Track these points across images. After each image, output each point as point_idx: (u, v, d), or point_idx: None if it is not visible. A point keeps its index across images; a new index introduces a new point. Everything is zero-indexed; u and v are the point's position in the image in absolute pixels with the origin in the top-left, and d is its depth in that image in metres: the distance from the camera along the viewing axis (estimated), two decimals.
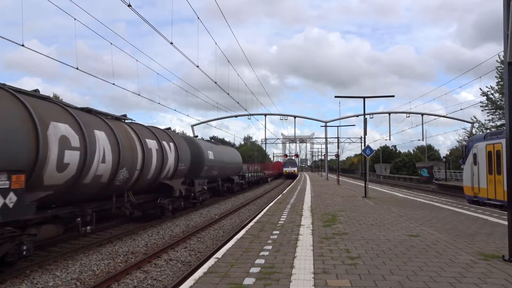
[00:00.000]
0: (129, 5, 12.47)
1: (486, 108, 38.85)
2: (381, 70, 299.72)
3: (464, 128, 48.54)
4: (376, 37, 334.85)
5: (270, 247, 7.83)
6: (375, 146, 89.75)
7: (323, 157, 75.19)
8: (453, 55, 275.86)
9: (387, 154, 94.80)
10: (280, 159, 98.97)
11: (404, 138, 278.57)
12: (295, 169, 68.95)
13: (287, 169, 67.81)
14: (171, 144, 16.13)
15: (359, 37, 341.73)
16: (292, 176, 64.17)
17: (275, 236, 9.01)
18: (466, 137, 41.86)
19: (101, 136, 10.79)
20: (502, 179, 15.63)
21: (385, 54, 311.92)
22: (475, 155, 18.29)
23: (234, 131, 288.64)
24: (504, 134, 15.99)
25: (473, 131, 42.29)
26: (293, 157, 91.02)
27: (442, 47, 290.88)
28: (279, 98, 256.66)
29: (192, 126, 61.78)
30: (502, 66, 28.27)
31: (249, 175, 37.76)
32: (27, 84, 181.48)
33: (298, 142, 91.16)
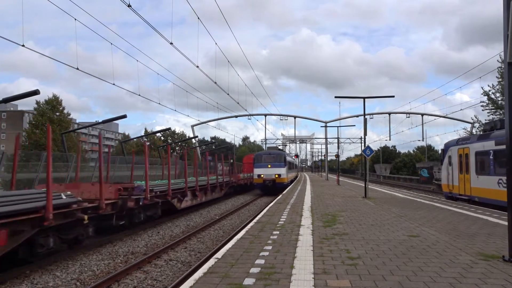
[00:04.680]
0: (129, 5, 12.48)
1: (487, 108, 38.87)
2: (372, 71, 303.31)
3: (464, 129, 48.54)
4: (365, 39, 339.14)
5: (270, 247, 7.82)
6: (374, 147, 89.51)
7: (323, 158, 74.87)
8: (441, 57, 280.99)
9: (387, 154, 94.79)
10: None
11: (402, 139, 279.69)
12: (283, 171, 32.73)
13: (262, 172, 32.21)
14: None
15: (349, 39, 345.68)
16: (273, 188, 31.63)
17: (275, 237, 9.01)
18: None
19: None
20: (469, 178, 18.26)
21: (375, 57, 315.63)
22: (449, 157, 20.78)
23: (232, 131, 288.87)
24: (472, 140, 18.81)
25: (473, 131, 42.32)
26: (293, 156, 68.29)
27: (431, 50, 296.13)
28: (274, 99, 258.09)
29: (192, 126, 61.87)
30: (503, 66, 28.30)
31: None
32: (24, 85, 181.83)
33: (298, 142, 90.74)
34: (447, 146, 21.63)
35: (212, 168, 29.18)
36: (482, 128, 19.44)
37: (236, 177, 32.85)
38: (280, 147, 58.72)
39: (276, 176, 31.81)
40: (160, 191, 15.30)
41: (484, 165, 17.08)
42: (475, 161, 17.69)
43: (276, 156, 33.52)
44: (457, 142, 20.46)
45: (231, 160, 37.44)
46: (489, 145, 16.73)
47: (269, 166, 32.18)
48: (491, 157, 16.51)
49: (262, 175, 31.90)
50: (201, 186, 21.07)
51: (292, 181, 41.53)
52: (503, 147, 14.72)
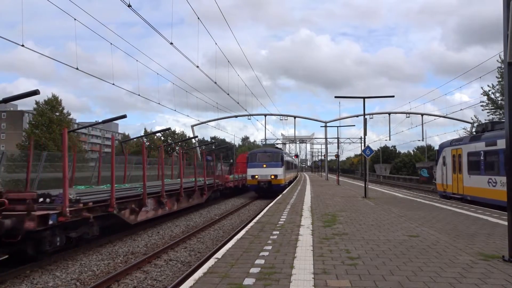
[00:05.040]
0: (129, 5, 12.49)
1: (487, 107, 38.87)
2: (371, 71, 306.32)
3: (464, 128, 48.50)
4: (364, 39, 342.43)
5: (270, 247, 7.83)
6: (373, 147, 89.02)
7: (323, 158, 74.79)
8: (440, 57, 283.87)
9: (387, 154, 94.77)
10: None
11: (402, 139, 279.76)
12: (280, 171, 29.55)
13: (256, 173, 29.25)
14: None
15: (348, 39, 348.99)
16: (268, 191, 28.81)
17: (275, 237, 9.01)
18: None
19: None
20: (461, 177, 19.07)
21: (374, 57, 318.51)
22: (444, 158, 21.74)
23: (232, 131, 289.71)
24: (464, 141, 19.72)
25: (473, 131, 42.25)
26: (293, 156, 66.64)
27: (429, 50, 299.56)
28: (273, 99, 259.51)
29: (192, 126, 61.87)
30: (503, 66, 28.31)
31: None
32: (23, 85, 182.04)
33: (298, 142, 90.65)
34: (442, 147, 22.55)
35: (199, 168, 25.76)
36: (474, 130, 20.15)
37: (223, 178, 27.66)
38: (280, 146, 58.08)
39: (272, 177, 28.80)
40: (97, 201, 11.01)
41: (475, 165, 17.88)
42: (467, 161, 18.65)
43: (272, 154, 30.27)
44: (451, 143, 21.33)
45: (231, 160, 36.53)
46: (480, 146, 17.47)
47: (264, 166, 29.12)
48: (481, 157, 17.27)
49: (256, 176, 28.85)
50: (172, 191, 16.88)
51: (290, 182, 38.85)
52: (492, 148, 16.17)
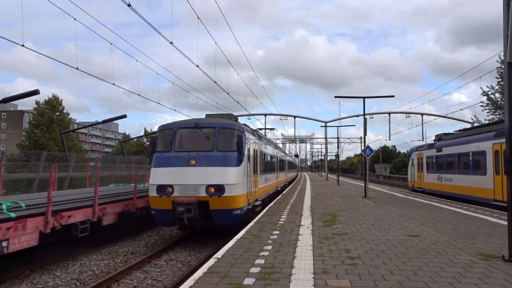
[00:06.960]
0: (129, 5, 12.48)
1: (487, 108, 38.85)
2: (367, 72, 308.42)
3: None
4: (360, 40, 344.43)
5: (270, 247, 7.83)
6: (373, 147, 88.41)
7: (323, 157, 74.67)
8: (436, 58, 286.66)
9: (386, 154, 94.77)
10: None
11: (401, 139, 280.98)
12: (232, 175, 10.80)
13: (168, 181, 10.67)
14: None
15: (344, 40, 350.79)
16: (201, 223, 10.96)
17: (275, 236, 9.01)
18: None
19: None
20: (423, 175, 25.37)
21: (370, 57, 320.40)
22: (412, 160, 28.27)
23: None
24: (424, 147, 25.45)
25: (433, 139, 42.03)
26: (293, 156, 63.00)
27: (425, 50, 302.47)
28: (271, 99, 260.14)
29: None
30: (502, 66, 28.32)
31: None
32: (22, 85, 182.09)
33: (298, 142, 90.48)
34: (411, 151, 29.30)
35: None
36: (434, 139, 26.45)
37: None
38: (280, 146, 42.26)
39: (211, 191, 10.79)
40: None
41: (430, 166, 24.07)
42: (426, 163, 24.82)
43: (214, 132, 11.69)
44: (417, 148, 27.80)
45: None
46: (433, 151, 23.52)
47: (193, 161, 11.10)
48: (434, 160, 23.31)
49: (169, 189, 10.88)
50: None
51: (277, 193, 23.06)
52: (440, 153, 22.58)
